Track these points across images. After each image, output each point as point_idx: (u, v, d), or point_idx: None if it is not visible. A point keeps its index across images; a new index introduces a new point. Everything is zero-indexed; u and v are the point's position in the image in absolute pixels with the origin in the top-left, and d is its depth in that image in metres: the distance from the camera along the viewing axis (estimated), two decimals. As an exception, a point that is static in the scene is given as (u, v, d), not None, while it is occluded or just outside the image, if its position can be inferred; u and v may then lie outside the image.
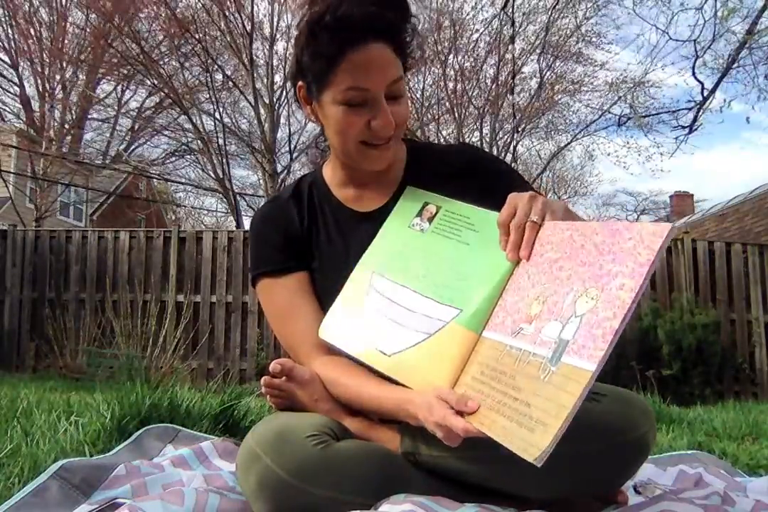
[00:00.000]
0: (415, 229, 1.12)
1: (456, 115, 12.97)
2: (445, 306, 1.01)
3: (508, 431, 0.81)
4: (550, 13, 11.10)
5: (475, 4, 12.86)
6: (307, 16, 1.05)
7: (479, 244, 1.04)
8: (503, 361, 0.89)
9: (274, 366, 1.11)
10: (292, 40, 1.13)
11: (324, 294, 1.17)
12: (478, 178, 1.18)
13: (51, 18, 12.97)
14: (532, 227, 0.95)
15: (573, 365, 0.79)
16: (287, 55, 11.08)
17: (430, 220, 1.12)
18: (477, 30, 12.50)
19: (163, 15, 10.88)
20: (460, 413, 0.87)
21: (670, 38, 9.00)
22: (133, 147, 16.63)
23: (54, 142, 12.18)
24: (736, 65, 8.64)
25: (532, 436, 0.78)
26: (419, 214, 1.13)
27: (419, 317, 1.02)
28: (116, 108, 15.74)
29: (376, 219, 1.18)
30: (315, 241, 1.21)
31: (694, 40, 8.60)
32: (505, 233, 0.98)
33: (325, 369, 1.12)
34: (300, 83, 1.13)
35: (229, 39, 10.47)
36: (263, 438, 0.99)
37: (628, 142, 14.84)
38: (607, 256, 0.85)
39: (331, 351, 1.13)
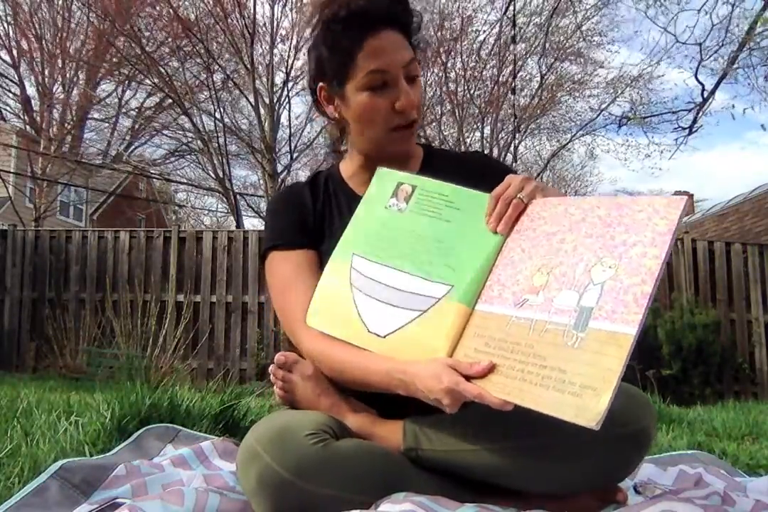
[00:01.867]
0: (392, 210, 1.12)
1: (457, 115, 12.97)
2: (435, 283, 1.01)
3: (546, 398, 0.83)
4: (551, 13, 11.10)
5: (478, 5, 12.84)
6: (322, 16, 1.13)
7: (462, 221, 1.05)
8: (512, 332, 0.91)
9: (278, 357, 1.14)
10: (304, 50, 1.19)
11: None
12: (487, 182, 1.19)
13: (52, 17, 12.97)
14: (517, 205, 1.00)
15: (608, 330, 0.82)
16: (287, 54, 11.11)
17: (407, 199, 1.12)
18: (478, 31, 12.51)
19: (165, 15, 10.88)
20: (470, 380, 0.89)
21: (677, 41, 8.99)
22: (133, 147, 16.63)
23: (54, 142, 12.17)
24: (735, 66, 8.63)
25: (581, 401, 0.80)
26: (394, 194, 1.13)
27: (409, 295, 1.03)
28: (117, 108, 15.74)
29: None
30: (328, 223, 1.24)
31: (700, 44, 8.60)
32: (492, 206, 1.02)
33: (316, 340, 1.12)
34: (321, 84, 1.18)
35: (229, 39, 10.47)
36: (263, 436, 0.99)
37: (627, 140, 14.84)
38: (617, 228, 0.89)
39: None
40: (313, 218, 1.24)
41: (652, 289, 0.82)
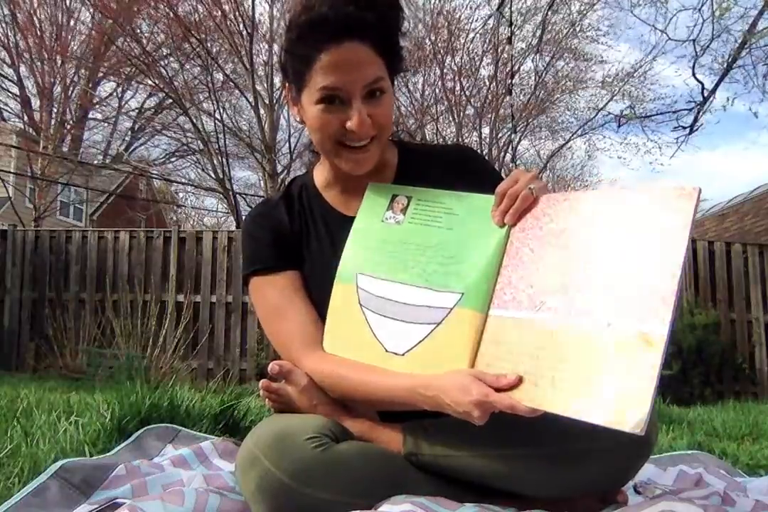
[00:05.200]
0: (389, 223, 1.10)
1: (455, 115, 12.97)
2: (444, 293, 1.00)
3: (581, 405, 0.80)
4: (545, 11, 11.09)
5: (470, 2, 12.85)
6: (288, 17, 1.07)
7: (463, 227, 1.03)
8: (534, 337, 0.88)
9: (272, 366, 1.10)
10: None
11: (314, 297, 1.16)
12: (467, 178, 1.17)
13: (52, 17, 12.97)
14: (526, 197, 0.97)
15: (638, 330, 0.79)
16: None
17: (404, 211, 1.10)
18: (473, 29, 12.51)
19: (165, 16, 10.87)
20: (499, 391, 0.87)
21: (669, 38, 9.01)
22: (133, 147, 16.62)
23: (53, 142, 12.16)
24: (736, 65, 8.64)
25: (621, 406, 0.77)
26: (389, 207, 1.11)
27: (420, 309, 1.01)
28: (117, 108, 15.74)
29: None
30: (305, 243, 1.20)
31: (693, 40, 8.60)
32: (498, 202, 1.00)
33: (322, 363, 1.09)
34: (287, 85, 1.15)
35: (229, 40, 10.46)
36: (263, 440, 0.98)
37: (626, 138, 14.81)
38: (630, 223, 0.86)
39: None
40: (291, 236, 1.19)
41: (678, 286, 0.79)
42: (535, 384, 0.85)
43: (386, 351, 1.02)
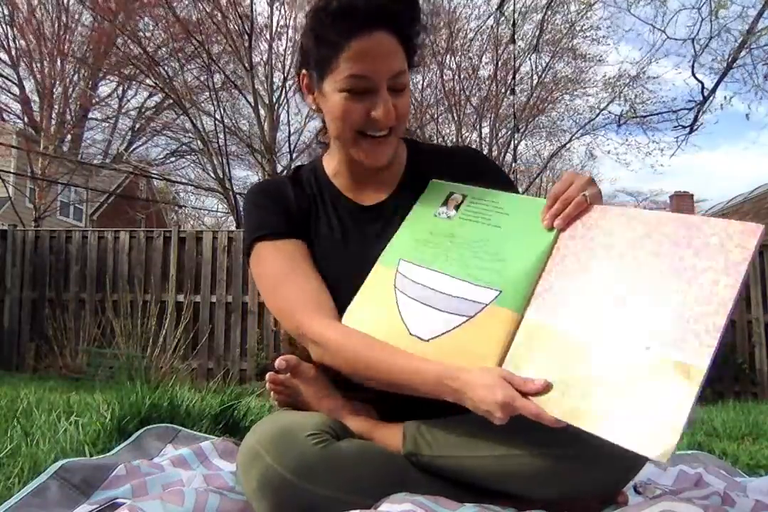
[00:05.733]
0: (441, 217, 1.10)
1: (454, 114, 12.97)
2: (483, 288, 0.99)
3: (610, 425, 0.79)
4: (544, 11, 11.10)
5: (470, 2, 12.85)
6: (314, 3, 1.06)
7: (511, 226, 1.03)
8: (570, 349, 0.87)
9: (279, 362, 1.10)
10: (298, 34, 1.14)
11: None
12: (476, 179, 1.18)
13: (51, 17, 12.97)
14: (579, 203, 0.96)
15: (678, 360, 0.78)
16: (286, 54, 11.10)
17: (457, 207, 1.10)
18: (473, 29, 12.52)
19: (164, 16, 10.88)
20: (525, 395, 0.86)
21: (668, 37, 9.01)
22: (133, 147, 16.63)
23: (53, 142, 12.17)
24: (735, 65, 8.64)
25: (650, 432, 0.77)
26: (444, 203, 1.12)
27: (457, 300, 1.00)
28: (117, 108, 15.75)
29: (374, 213, 1.17)
30: (313, 225, 1.18)
31: (692, 39, 8.61)
32: (550, 205, 0.99)
33: (337, 331, 1.05)
34: (304, 72, 1.13)
35: (228, 39, 10.46)
36: (264, 436, 0.98)
37: (627, 139, 14.82)
38: (686, 250, 0.85)
39: (337, 316, 1.08)
40: (297, 214, 1.17)
41: (725, 320, 0.78)
42: (563, 394, 0.84)
43: (410, 333, 1.01)
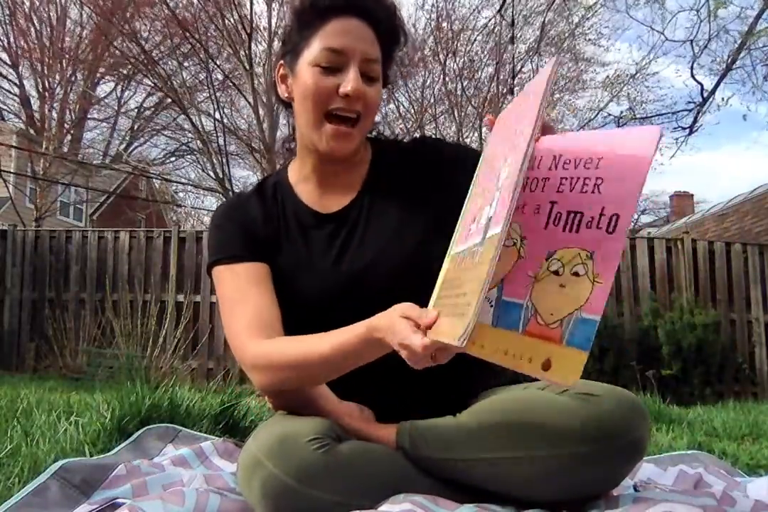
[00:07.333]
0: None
1: (455, 114, 12.97)
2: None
3: (451, 327, 0.73)
4: (545, 14, 11.11)
5: (471, 4, 12.84)
6: None
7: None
8: (457, 268, 0.80)
9: None
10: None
11: (282, 293, 1.13)
12: (440, 170, 1.18)
13: (51, 16, 12.97)
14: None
15: (491, 235, 0.71)
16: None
17: None
18: (474, 30, 12.50)
19: (162, 15, 10.88)
20: (426, 330, 0.79)
21: (666, 39, 9.02)
22: (133, 147, 16.63)
23: (53, 142, 12.16)
24: (735, 66, 8.64)
25: (457, 323, 0.70)
26: None
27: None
28: (116, 108, 15.75)
29: (339, 221, 1.17)
30: (277, 240, 1.18)
31: (691, 41, 8.61)
32: None
33: (268, 343, 1.05)
34: (281, 62, 1.17)
35: (227, 39, 10.46)
36: (265, 444, 0.98)
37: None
38: (516, 124, 0.78)
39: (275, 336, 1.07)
40: (261, 232, 1.17)
41: (518, 182, 0.69)
42: (445, 315, 0.77)
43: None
